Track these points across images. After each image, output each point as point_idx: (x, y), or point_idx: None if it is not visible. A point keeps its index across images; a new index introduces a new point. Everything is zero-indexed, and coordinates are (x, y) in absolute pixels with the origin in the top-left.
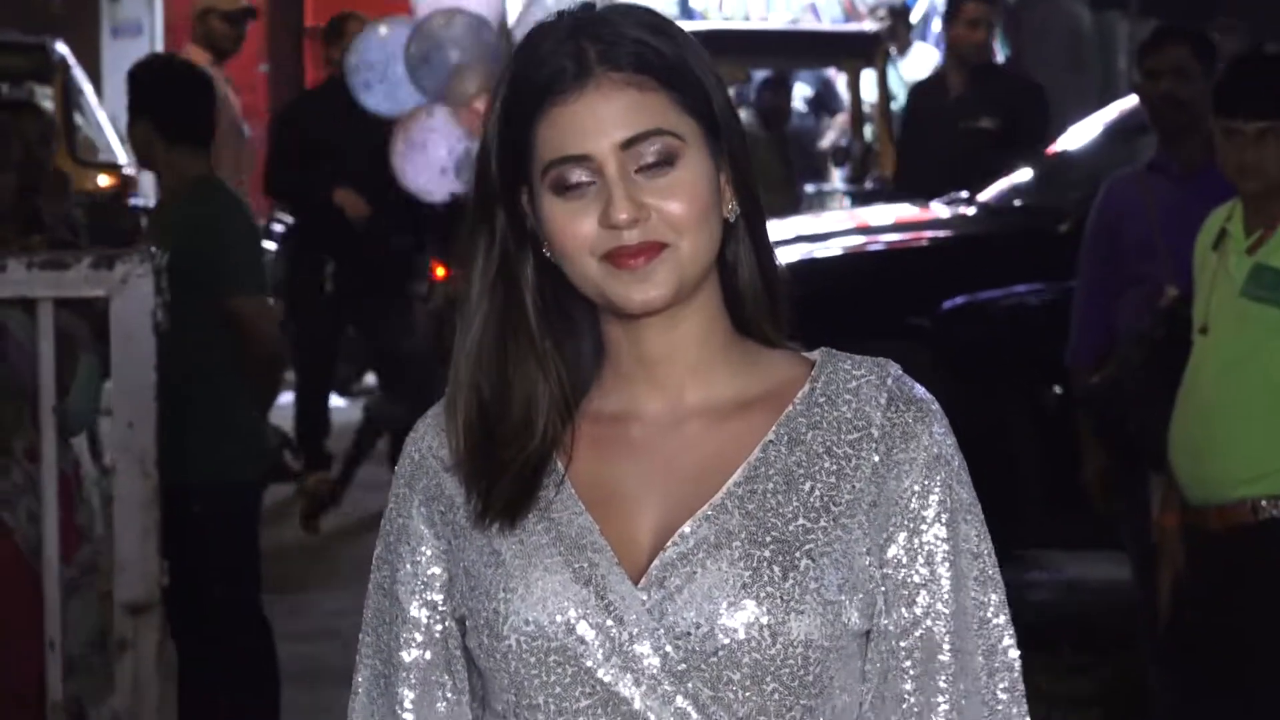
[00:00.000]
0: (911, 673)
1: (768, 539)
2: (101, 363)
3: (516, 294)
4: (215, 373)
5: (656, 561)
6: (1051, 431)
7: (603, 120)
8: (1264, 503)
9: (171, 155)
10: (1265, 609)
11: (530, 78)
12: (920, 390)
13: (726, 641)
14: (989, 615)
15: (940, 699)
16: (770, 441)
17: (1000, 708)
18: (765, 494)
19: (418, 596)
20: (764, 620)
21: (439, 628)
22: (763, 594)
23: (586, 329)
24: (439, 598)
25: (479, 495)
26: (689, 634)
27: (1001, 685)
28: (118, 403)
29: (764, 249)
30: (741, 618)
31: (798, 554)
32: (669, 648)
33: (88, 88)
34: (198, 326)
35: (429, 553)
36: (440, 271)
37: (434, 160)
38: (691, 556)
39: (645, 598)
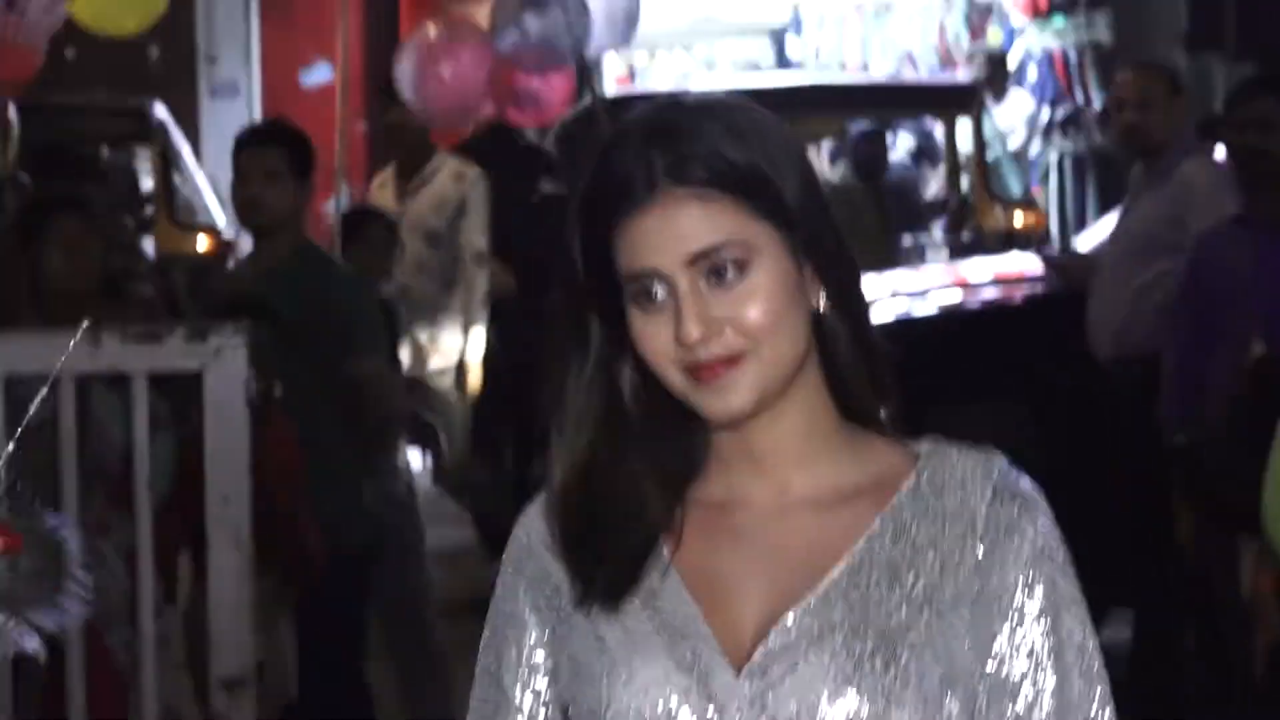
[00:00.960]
0: None
1: (869, 631)
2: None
3: (616, 394)
4: (324, 441)
5: (759, 651)
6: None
7: (669, 236)
8: None
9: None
10: None
11: (603, 188)
12: (1025, 483)
13: None
14: (1093, 711)
15: None
16: (875, 533)
17: None
18: (868, 585)
19: (522, 683)
20: (864, 712)
21: (542, 715)
22: (863, 685)
23: (695, 419)
24: (543, 684)
25: (581, 579)
26: None
27: None
28: (212, 476)
29: (862, 332)
30: (842, 707)
31: (899, 647)
32: None
33: (186, 149)
34: (309, 393)
35: (534, 639)
36: None
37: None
38: (794, 647)
39: (747, 687)
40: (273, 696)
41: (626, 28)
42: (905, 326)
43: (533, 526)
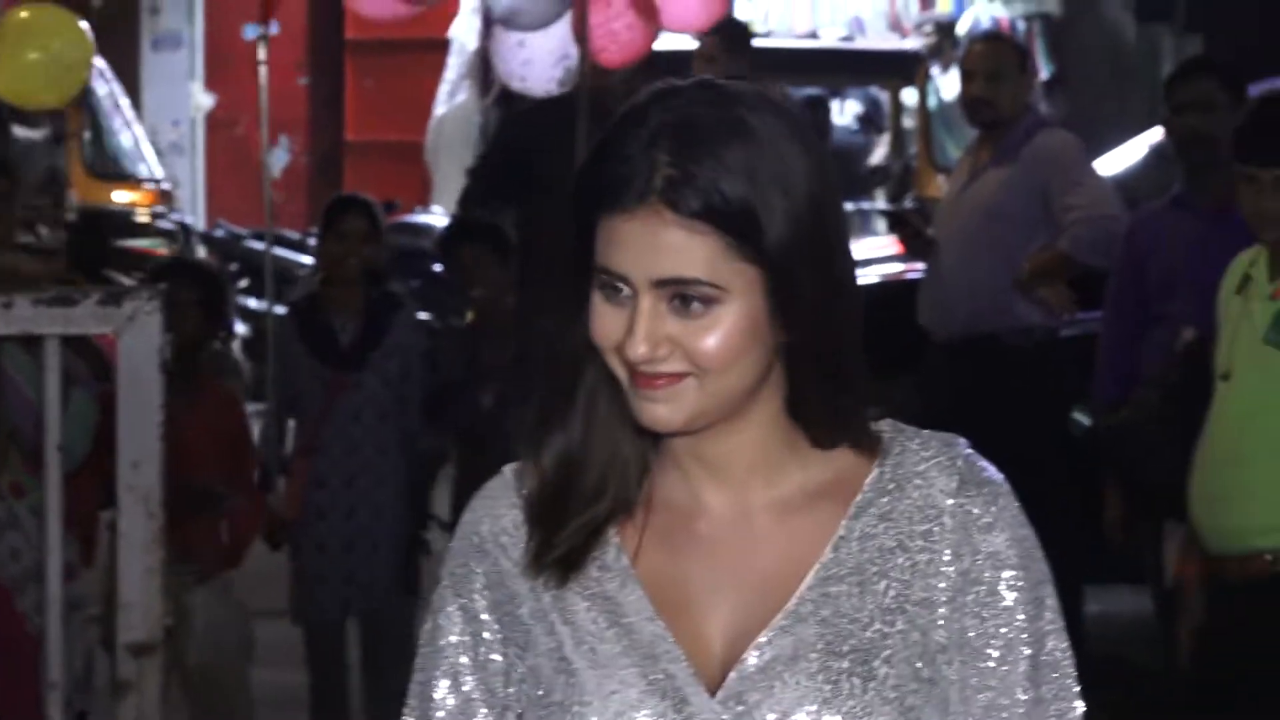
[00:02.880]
0: None
1: (845, 648)
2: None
3: (598, 362)
4: None
5: (734, 675)
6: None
7: (646, 251)
8: None
9: None
10: None
11: (600, 175)
12: (989, 470)
13: None
14: (1066, 700)
15: None
16: (841, 537)
17: None
18: (839, 597)
19: (478, 679)
20: None
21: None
22: (844, 708)
23: None
24: (498, 685)
25: (537, 544)
26: None
27: None
28: (123, 441)
29: (834, 366)
30: None
31: (876, 662)
32: None
33: (124, 102)
34: None
35: (491, 639)
36: None
37: (536, 87)
38: (769, 669)
39: (723, 712)
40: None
41: None
42: None
43: (488, 516)
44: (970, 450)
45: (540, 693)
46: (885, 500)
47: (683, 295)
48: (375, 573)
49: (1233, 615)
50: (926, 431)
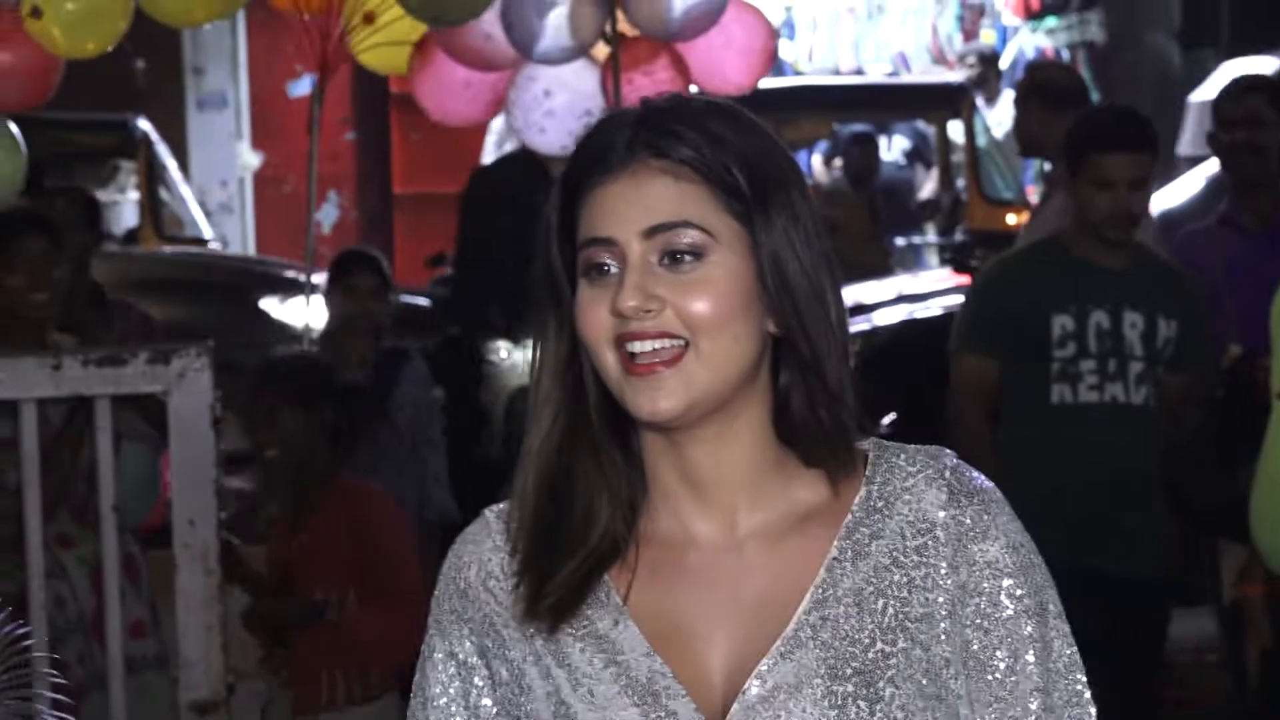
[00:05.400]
0: None
1: (848, 671)
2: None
3: (582, 391)
4: None
5: (737, 707)
6: None
7: (631, 205)
8: None
9: None
10: None
11: (583, 156)
12: (980, 480)
13: None
14: (1078, 705)
15: None
16: (834, 559)
17: None
18: (838, 620)
19: None
20: None
21: None
22: None
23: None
24: None
25: (529, 590)
26: None
27: None
28: (178, 499)
29: (819, 366)
30: None
31: (881, 684)
32: None
33: (171, 163)
34: None
35: (481, 685)
36: None
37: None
38: (772, 699)
39: None
40: None
41: None
42: (911, 329)
43: (474, 560)
44: (958, 461)
45: None
46: (876, 518)
47: (672, 253)
48: None
49: None
50: (912, 446)
